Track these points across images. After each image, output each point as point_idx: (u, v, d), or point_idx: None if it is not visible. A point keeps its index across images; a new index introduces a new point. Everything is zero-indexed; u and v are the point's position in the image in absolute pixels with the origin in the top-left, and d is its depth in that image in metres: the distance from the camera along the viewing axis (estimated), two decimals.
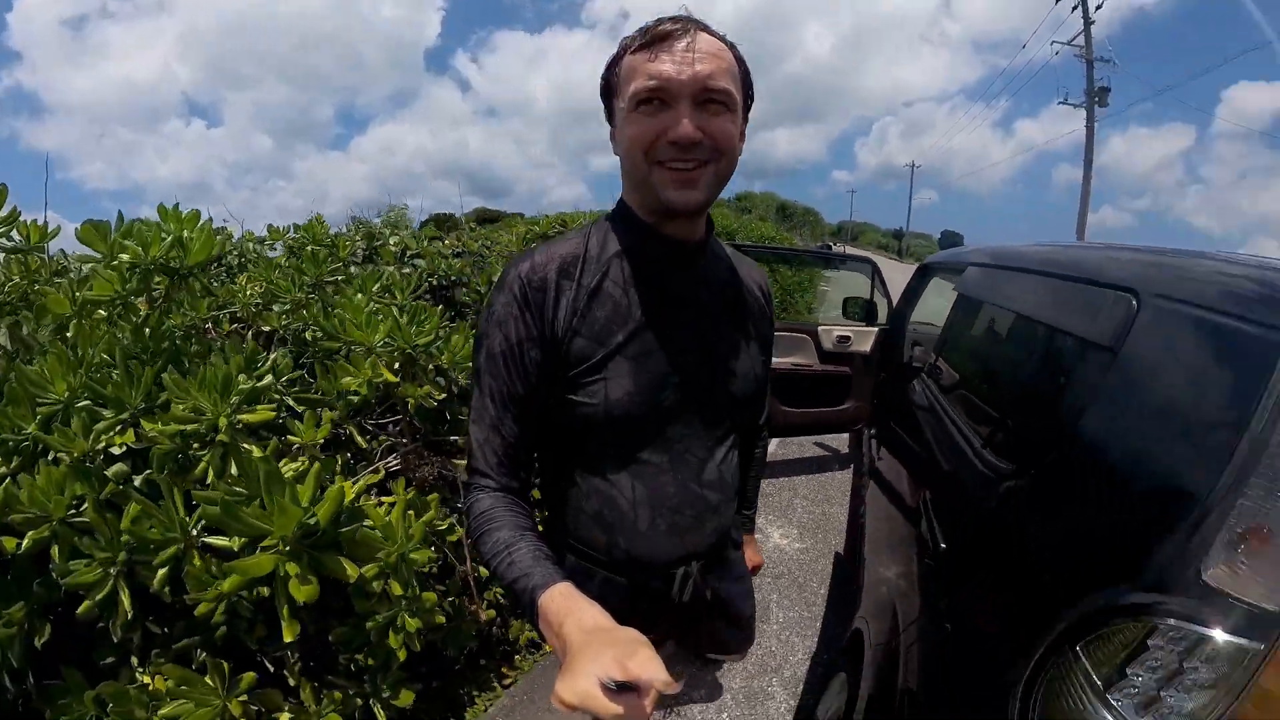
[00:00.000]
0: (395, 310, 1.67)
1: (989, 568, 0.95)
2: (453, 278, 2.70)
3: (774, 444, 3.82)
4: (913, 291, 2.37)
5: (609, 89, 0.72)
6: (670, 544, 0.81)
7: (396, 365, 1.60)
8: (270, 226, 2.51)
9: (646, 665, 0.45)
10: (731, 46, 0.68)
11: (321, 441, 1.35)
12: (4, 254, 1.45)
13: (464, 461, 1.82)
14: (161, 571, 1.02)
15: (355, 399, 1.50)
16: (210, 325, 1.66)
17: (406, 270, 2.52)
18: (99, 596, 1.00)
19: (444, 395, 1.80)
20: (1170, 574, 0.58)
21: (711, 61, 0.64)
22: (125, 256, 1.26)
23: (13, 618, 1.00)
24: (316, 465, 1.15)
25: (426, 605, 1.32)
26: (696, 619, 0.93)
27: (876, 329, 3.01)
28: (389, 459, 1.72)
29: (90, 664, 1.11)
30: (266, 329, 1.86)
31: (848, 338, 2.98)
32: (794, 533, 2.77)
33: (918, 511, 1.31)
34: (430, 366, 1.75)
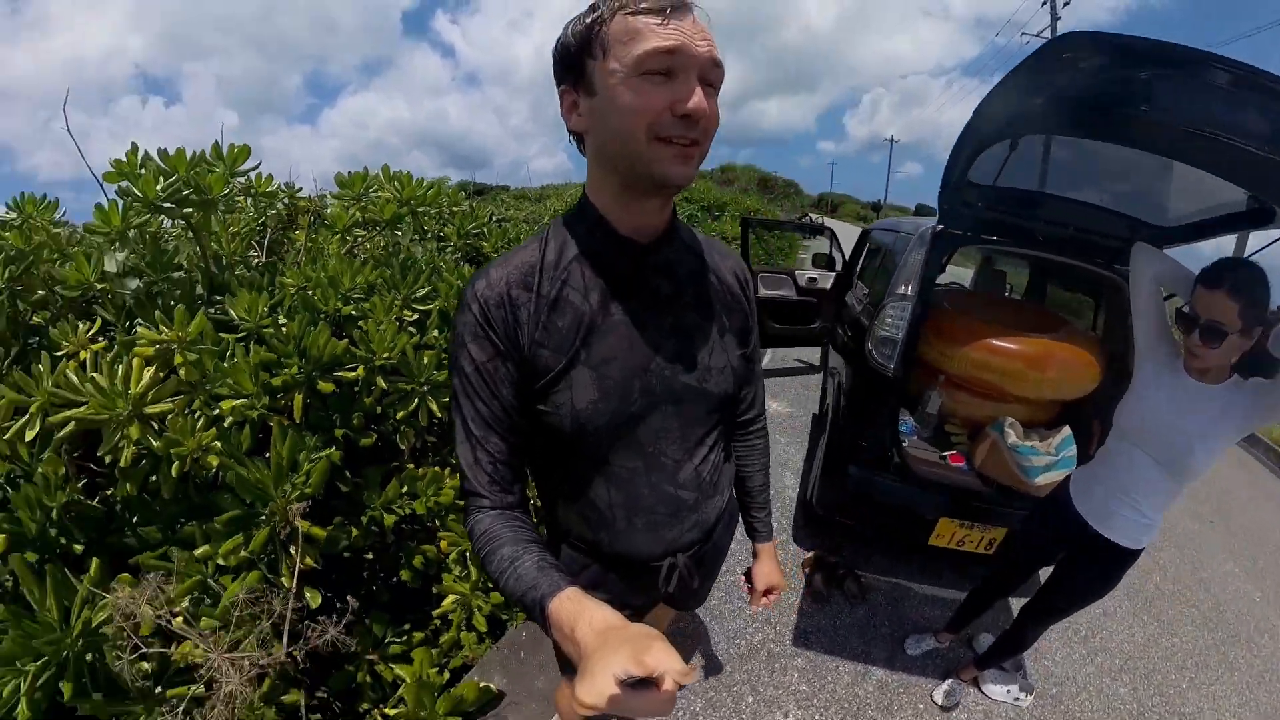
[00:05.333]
0: None
1: (851, 336, 2.46)
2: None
3: (769, 354, 5.34)
4: (857, 248, 3.90)
5: (586, 49, 0.64)
6: (650, 540, 0.85)
7: None
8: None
9: (661, 658, 0.45)
10: None
11: None
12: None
13: None
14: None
15: None
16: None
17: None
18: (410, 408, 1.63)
19: None
20: (893, 294, 2.12)
21: (713, 42, 0.63)
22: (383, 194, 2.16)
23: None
24: None
25: None
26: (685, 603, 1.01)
27: (834, 274, 4.54)
28: None
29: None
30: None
31: (815, 279, 4.55)
32: (786, 403, 4.37)
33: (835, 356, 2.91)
34: None
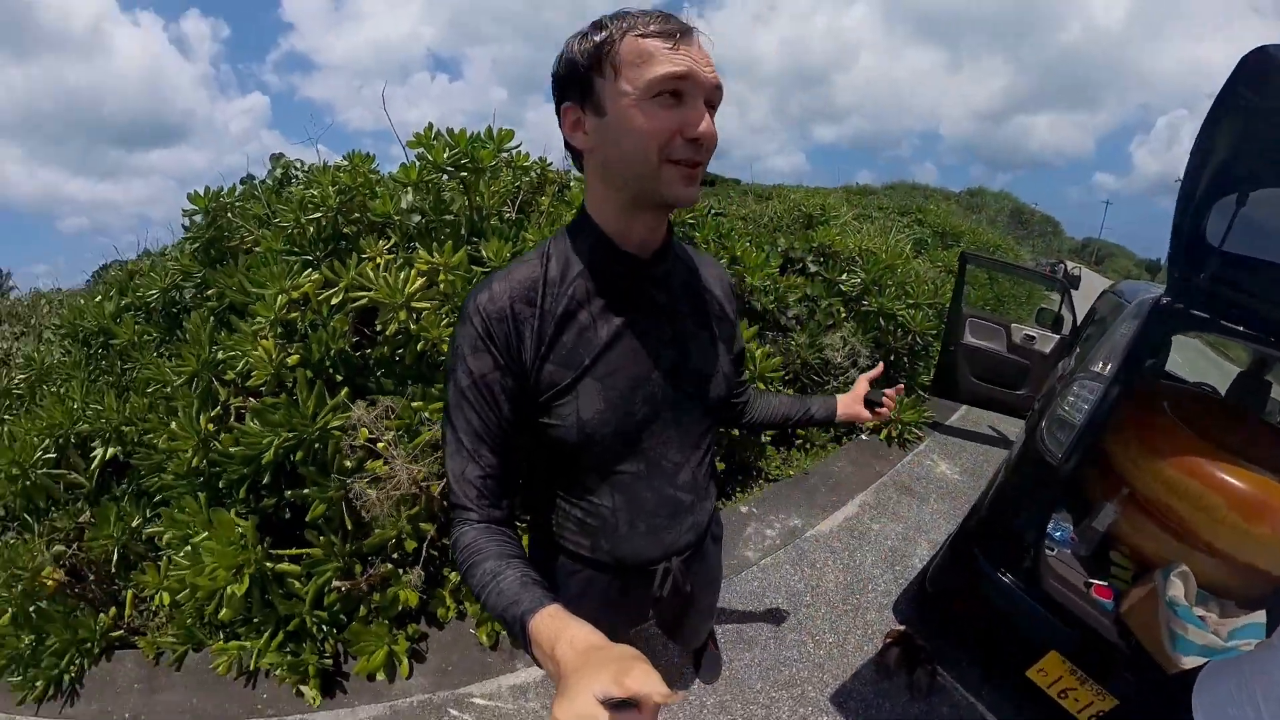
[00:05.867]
0: None
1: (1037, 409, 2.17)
2: None
3: (961, 410, 4.67)
4: (1090, 311, 3.22)
5: (595, 68, 0.64)
6: (649, 543, 0.87)
7: None
8: None
9: (644, 680, 0.44)
10: None
11: None
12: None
13: None
14: None
15: None
16: None
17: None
18: None
19: None
20: (1086, 369, 1.84)
21: (715, 66, 0.66)
22: None
23: None
24: None
25: None
26: (678, 610, 1.00)
27: (1058, 337, 3.74)
28: None
29: None
30: None
31: (1033, 338, 3.80)
32: (958, 469, 3.88)
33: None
34: None
